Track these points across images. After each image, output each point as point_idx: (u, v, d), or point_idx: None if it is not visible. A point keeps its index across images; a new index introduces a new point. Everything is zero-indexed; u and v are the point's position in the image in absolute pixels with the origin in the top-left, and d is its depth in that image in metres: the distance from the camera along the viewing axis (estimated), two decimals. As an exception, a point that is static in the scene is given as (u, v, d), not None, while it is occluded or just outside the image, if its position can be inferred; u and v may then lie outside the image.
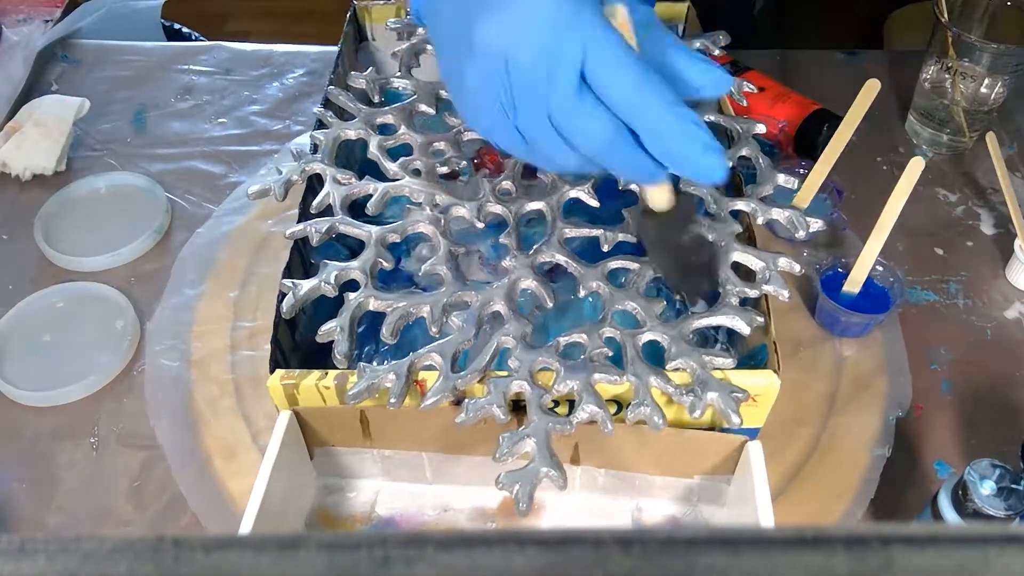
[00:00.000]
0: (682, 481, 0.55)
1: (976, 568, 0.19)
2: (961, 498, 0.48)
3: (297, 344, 0.56)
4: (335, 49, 0.93)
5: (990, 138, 0.72)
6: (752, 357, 0.55)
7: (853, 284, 0.65)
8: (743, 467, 0.52)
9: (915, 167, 0.62)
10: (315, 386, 0.50)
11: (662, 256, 0.52)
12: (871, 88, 0.65)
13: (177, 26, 1.16)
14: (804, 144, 0.78)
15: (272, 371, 0.50)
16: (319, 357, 0.54)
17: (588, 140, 0.41)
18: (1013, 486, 0.47)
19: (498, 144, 0.44)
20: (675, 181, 0.47)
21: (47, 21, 0.92)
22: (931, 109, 0.79)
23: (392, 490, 0.57)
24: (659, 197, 0.47)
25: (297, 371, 0.50)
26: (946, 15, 0.73)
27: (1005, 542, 0.19)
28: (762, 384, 0.49)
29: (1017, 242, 0.69)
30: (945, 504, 0.49)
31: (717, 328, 0.55)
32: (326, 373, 0.50)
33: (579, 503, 0.57)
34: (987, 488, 0.47)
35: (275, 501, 0.49)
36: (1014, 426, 0.62)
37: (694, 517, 0.56)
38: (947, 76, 0.76)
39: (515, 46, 0.39)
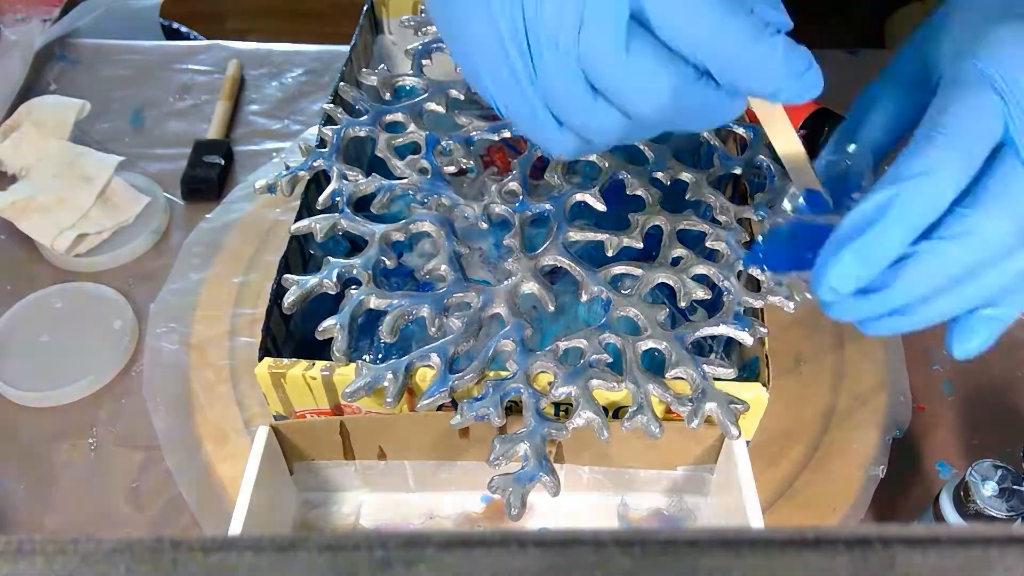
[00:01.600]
0: (666, 473, 0.55)
1: (978, 569, 0.19)
2: (963, 499, 0.48)
3: (291, 334, 0.56)
4: (335, 48, 0.94)
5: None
6: (745, 369, 0.55)
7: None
8: (726, 456, 0.52)
9: None
10: (302, 376, 0.50)
11: None
12: None
13: (176, 25, 1.16)
14: (806, 144, 0.77)
15: (261, 359, 0.51)
16: (312, 348, 0.54)
17: (647, 98, 0.31)
18: (1015, 487, 0.47)
19: (508, 115, 0.34)
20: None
21: (45, 20, 0.92)
22: None
23: (375, 501, 0.57)
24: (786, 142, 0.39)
25: (285, 360, 0.50)
26: None
27: (1007, 543, 0.19)
28: (749, 397, 0.49)
29: (1018, 242, 0.69)
30: (947, 505, 0.49)
31: (713, 337, 0.55)
32: (313, 364, 0.50)
33: (564, 502, 0.57)
34: (989, 489, 0.47)
35: (257, 518, 0.49)
36: (1016, 427, 0.62)
37: (679, 508, 0.57)
38: None
39: None
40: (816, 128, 0.77)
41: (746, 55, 0.31)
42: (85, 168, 0.76)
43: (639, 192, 0.57)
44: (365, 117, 0.61)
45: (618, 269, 0.53)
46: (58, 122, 0.80)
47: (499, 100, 0.34)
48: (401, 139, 0.60)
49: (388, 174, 0.58)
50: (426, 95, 0.62)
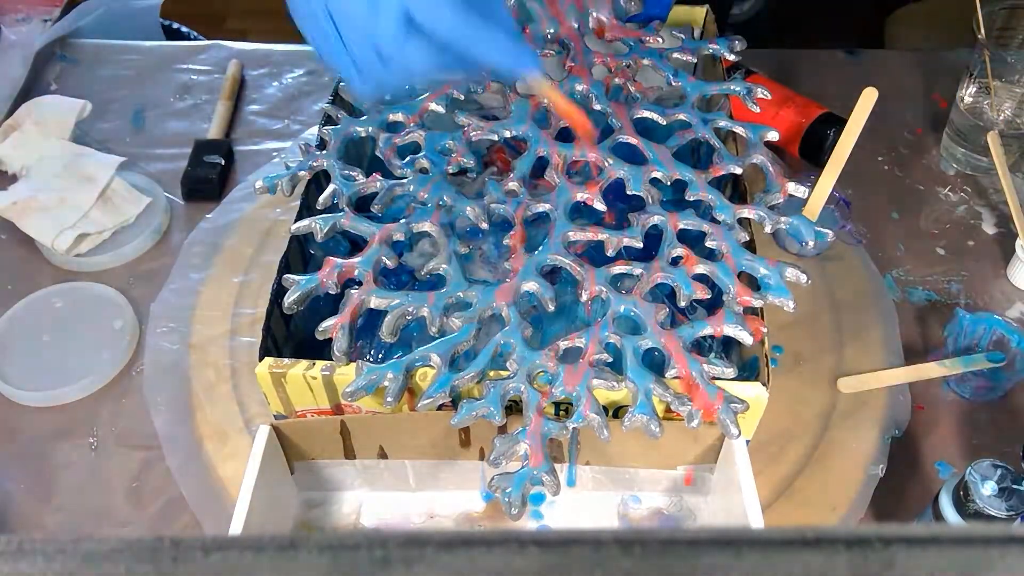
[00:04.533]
0: (667, 473, 0.55)
1: (978, 569, 0.19)
2: (962, 498, 0.48)
3: (291, 334, 0.56)
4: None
5: (992, 138, 0.72)
6: (744, 369, 0.55)
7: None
8: (726, 456, 0.52)
9: (868, 98, 0.62)
10: (302, 375, 0.50)
11: None
12: (868, 97, 0.65)
13: (176, 25, 1.16)
14: (811, 149, 0.77)
15: (261, 358, 0.51)
16: (312, 348, 0.54)
17: (416, 67, 0.44)
18: (1014, 486, 0.47)
19: (335, 70, 0.47)
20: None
21: (46, 20, 0.92)
22: (966, 130, 0.77)
23: (376, 500, 0.57)
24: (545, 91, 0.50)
25: (286, 360, 0.50)
26: (983, 32, 0.71)
27: (1007, 543, 0.19)
28: (750, 396, 0.49)
29: (1019, 242, 0.69)
30: (946, 504, 0.49)
31: (713, 336, 0.55)
32: (313, 363, 0.50)
33: (565, 501, 0.57)
34: (988, 488, 0.47)
35: (258, 518, 0.49)
36: (1016, 427, 0.62)
37: (679, 508, 0.57)
38: (984, 97, 0.74)
39: None
40: (821, 132, 0.77)
41: (478, 44, 0.44)
42: (86, 168, 0.76)
43: (639, 192, 0.57)
44: (365, 117, 0.61)
45: (618, 269, 0.53)
46: (59, 122, 0.80)
47: (324, 56, 0.46)
48: (401, 139, 0.60)
49: (388, 174, 0.58)
50: (426, 95, 0.62)
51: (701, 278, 0.53)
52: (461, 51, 0.44)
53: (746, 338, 0.50)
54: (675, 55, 0.65)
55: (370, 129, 0.60)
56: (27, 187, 0.74)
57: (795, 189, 0.57)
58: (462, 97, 0.63)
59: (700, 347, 0.57)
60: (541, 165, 0.59)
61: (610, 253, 0.54)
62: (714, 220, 0.56)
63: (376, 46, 0.43)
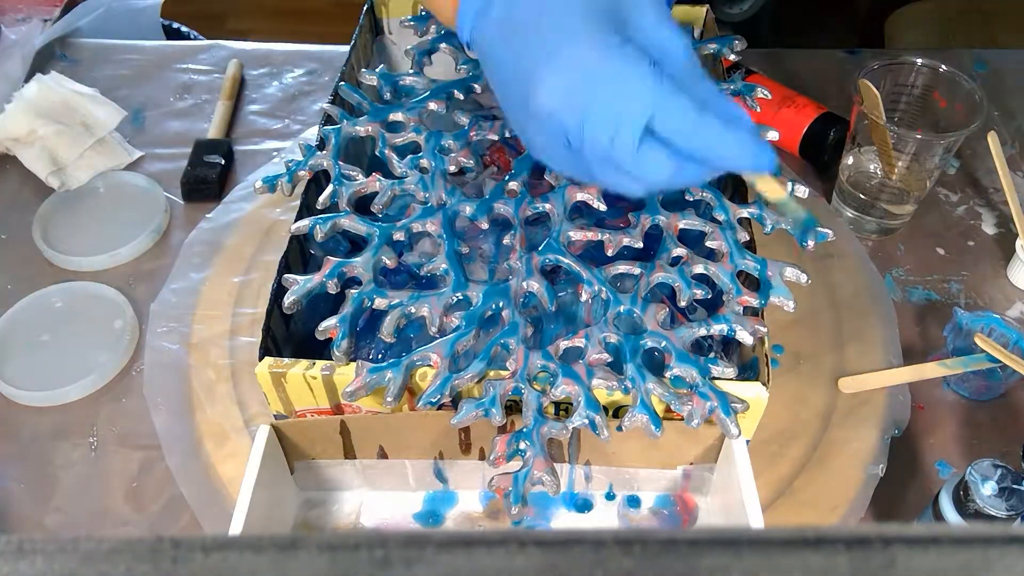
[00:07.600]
0: (667, 472, 0.55)
1: (978, 569, 0.19)
2: (963, 498, 0.48)
3: (291, 334, 0.56)
4: (335, 48, 0.94)
5: (991, 138, 0.72)
6: (745, 369, 0.55)
7: None
8: (726, 456, 0.52)
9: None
10: (302, 375, 0.50)
11: None
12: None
13: (176, 25, 1.16)
14: (811, 149, 0.77)
15: (261, 358, 0.51)
16: (312, 348, 0.54)
17: (654, 178, 0.44)
18: (1014, 486, 0.47)
19: (565, 173, 0.50)
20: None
21: (46, 20, 0.92)
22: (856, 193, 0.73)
23: (376, 500, 0.57)
24: (771, 188, 0.47)
25: (285, 360, 0.50)
26: (884, 117, 0.68)
27: (1007, 543, 0.19)
28: (750, 396, 0.49)
29: (1019, 242, 0.69)
30: (947, 504, 0.49)
31: (712, 336, 0.55)
32: (313, 363, 0.50)
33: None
34: (988, 488, 0.47)
35: (258, 517, 0.49)
36: (1016, 427, 0.62)
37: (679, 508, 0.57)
38: (875, 164, 0.71)
39: (574, 112, 0.42)
40: (822, 131, 0.77)
41: (720, 148, 0.42)
42: (85, 116, 0.80)
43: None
44: (365, 117, 0.61)
45: (618, 268, 0.53)
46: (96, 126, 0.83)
47: (559, 169, 0.49)
48: (401, 139, 0.60)
49: (388, 174, 0.58)
50: (426, 95, 0.62)
51: (701, 278, 0.53)
52: (700, 157, 0.43)
53: (746, 338, 0.50)
54: (675, 55, 0.65)
55: (370, 129, 0.60)
56: (24, 117, 0.79)
57: (795, 189, 0.57)
58: (462, 97, 0.63)
59: (700, 347, 0.57)
60: (541, 165, 0.59)
61: (610, 253, 0.54)
62: (714, 220, 0.56)
63: (616, 165, 0.43)
